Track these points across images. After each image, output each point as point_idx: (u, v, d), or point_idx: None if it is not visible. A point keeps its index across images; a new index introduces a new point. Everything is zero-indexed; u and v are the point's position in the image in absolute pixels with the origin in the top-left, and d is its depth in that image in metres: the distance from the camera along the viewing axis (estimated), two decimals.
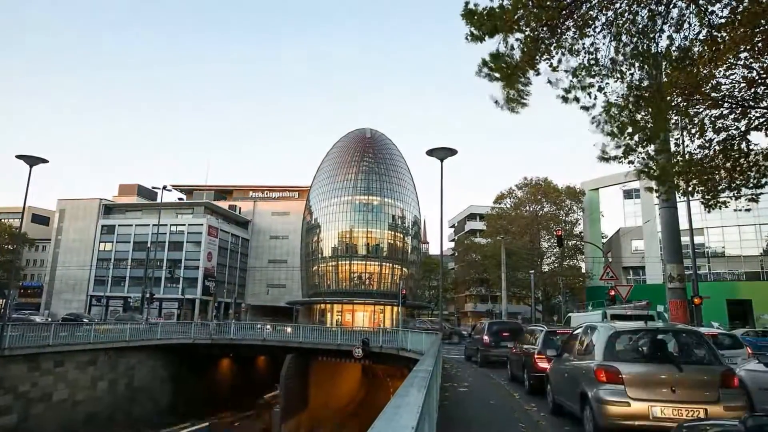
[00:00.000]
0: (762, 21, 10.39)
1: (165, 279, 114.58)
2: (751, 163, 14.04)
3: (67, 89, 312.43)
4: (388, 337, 48.09)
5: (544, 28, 11.05)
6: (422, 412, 4.83)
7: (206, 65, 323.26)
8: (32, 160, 42.51)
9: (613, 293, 36.85)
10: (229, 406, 54.55)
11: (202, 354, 53.03)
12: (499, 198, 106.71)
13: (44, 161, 43.10)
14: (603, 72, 11.88)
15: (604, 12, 11.26)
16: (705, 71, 12.13)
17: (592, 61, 11.69)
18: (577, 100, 11.93)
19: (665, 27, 11.61)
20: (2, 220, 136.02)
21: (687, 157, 14.72)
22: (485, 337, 32.16)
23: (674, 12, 11.56)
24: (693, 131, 14.01)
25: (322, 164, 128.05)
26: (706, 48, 11.64)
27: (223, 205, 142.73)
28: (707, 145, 14.14)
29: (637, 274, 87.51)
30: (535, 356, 18.98)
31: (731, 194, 15.01)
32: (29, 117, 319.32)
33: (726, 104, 13.29)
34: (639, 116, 12.90)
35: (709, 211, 16.79)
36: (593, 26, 11.36)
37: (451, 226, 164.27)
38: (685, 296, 23.84)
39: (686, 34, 11.75)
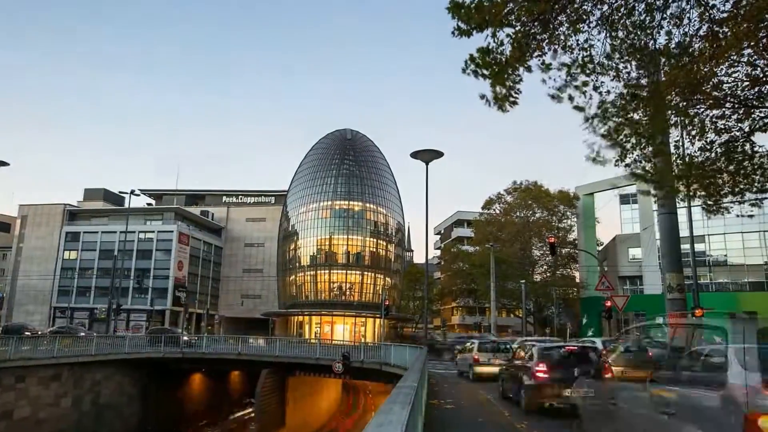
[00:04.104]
0: (767, 15, 10.39)
1: (133, 289, 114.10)
2: (756, 166, 14.04)
3: (28, 88, 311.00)
4: (370, 351, 48.01)
5: (536, 23, 11.03)
6: (406, 430, 4.79)
7: (176, 62, 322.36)
8: None
9: (609, 304, 36.87)
10: (202, 424, 54.37)
11: (172, 369, 52.78)
12: (488, 203, 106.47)
13: (5, 164, 42.97)
14: (598, 69, 11.87)
15: (599, 6, 11.25)
16: (706, 69, 12.10)
17: (587, 58, 11.67)
18: (570, 99, 11.90)
19: (663, 22, 11.62)
20: None
21: (687, 159, 14.72)
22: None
23: (673, 6, 11.57)
24: (693, 132, 13.99)
25: (300, 167, 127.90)
26: (706, 44, 11.63)
27: (195, 210, 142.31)
28: (708, 147, 14.13)
29: (634, 283, 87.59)
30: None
31: (734, 199, 15.02)
32: None
33: (728, 104, 13.28)
34: (636, 116, 12.90)
35: (710, 217, 16.85)
36: (587, 21, 11.34)
37: (437, 233, 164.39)
38: (685, 308, 23.85)
39: (686, 29, 11.74)
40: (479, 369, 32.63)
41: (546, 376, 18.53)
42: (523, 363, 20.90)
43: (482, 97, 11.90)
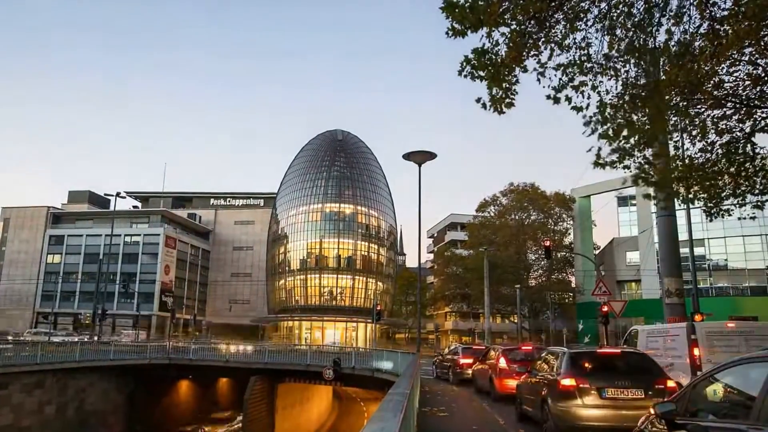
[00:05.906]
0: None
1: (118, 294, 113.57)
2: (757, 168, 14.00)
3: (9, 87, 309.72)
4: (361, 358, 47.91)
5: (532, 22, 10.96)
6: None
7: (164, 62, 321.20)
8: None
9: (606, 309, 36.69)
10: (189, 431, 54.22)
11: (158, 376, 52.62)
12: (483, 206, 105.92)
13: None
14: (596, 69, 11.81)
15: (596, 3, 11.20)
16: (706, 68, 12.06)
17: (584, 58, 11.61)
18: (568, 99, 11.83)
19: (663, 20, 11.57)
20: None
21: (687, 161, 14.67)
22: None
23: (673, 3, 11.52)
24: (694, 133, 13.95)
25: (290, 169, 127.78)
26: (707, 43, 11.57)
27: (182, 213, 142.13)
28: (709, 148, 14.08)
29: (632, 288, 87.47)
30: None
31: (735, 201, 14.97)
32: None
33: (729, 104, 13.24)
34: (635, 117, 12.84)
35: (710, 220, 16.72)
36: (585, 19, 11.27)
37: (430, 237, 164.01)
38: (684, 313, 23.74)
39: (686, 27, 11.67)
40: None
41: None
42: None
43: (478, 100, 11.83)
